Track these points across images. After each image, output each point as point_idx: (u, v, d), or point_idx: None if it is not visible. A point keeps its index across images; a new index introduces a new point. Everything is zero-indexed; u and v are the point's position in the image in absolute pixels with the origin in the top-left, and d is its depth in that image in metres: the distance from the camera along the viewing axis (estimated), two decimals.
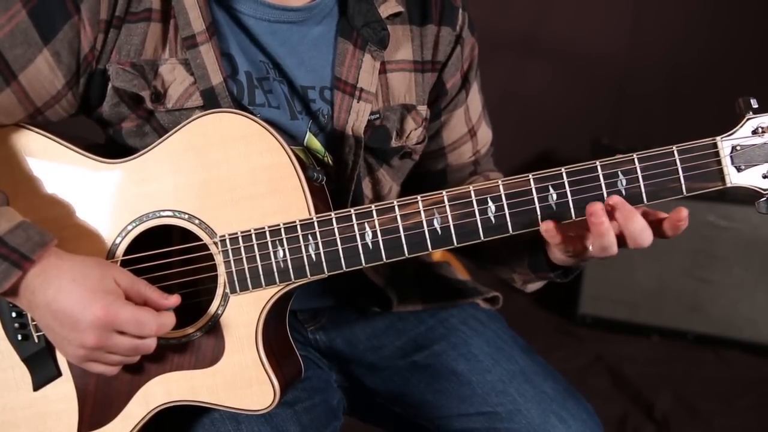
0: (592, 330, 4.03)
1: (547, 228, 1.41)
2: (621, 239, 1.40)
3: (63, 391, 1.55)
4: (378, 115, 1.68)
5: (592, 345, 3.92)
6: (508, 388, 1.72)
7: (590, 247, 1.42)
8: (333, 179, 1.63)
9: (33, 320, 1.52)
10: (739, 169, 1.36)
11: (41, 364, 1.54)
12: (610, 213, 1.38)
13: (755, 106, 1.36)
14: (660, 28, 4.43)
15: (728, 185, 1.37)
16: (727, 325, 3.88)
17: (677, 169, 1.36)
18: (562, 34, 4.47)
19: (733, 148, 1.36)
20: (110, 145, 1.64)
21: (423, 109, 1.74)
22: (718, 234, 3.80)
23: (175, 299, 1.45)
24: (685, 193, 1.37)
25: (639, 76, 4.51)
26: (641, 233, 1.38)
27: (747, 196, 1.39)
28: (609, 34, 4.46)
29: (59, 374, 1.55)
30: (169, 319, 1.44)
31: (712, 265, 3.85)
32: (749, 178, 1.36)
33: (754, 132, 1.36)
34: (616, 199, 1.37)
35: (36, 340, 1.53)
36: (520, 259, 1.65)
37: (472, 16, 1.80)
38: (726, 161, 1.36)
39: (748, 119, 1.36)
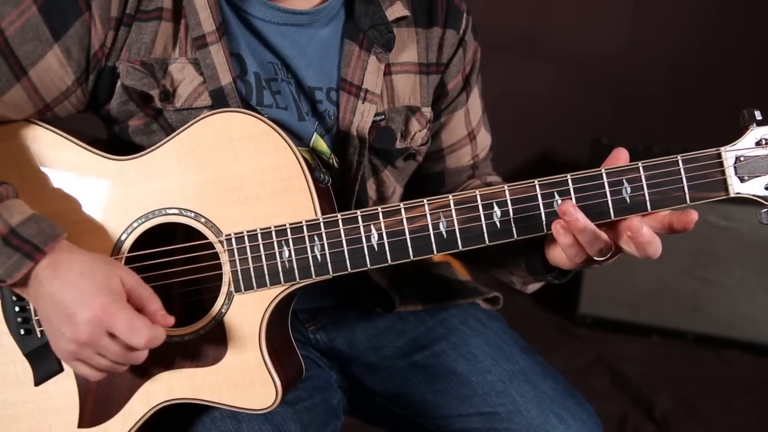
0: (592, 330, 4.03)
1: (555, 228, 1.40)
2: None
3: (64, 387, 1.55)
4: (383, 117, 1.69)
5: (592, 345, 3.92)
6: (508, 388, 1.73)
7: (627, 250, 1.43)
8: (337, 180, 1.64)
9: (36, 315, 1.52)
10: (742, 180, 1.37)
11: (43, 359, 1.54)
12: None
13: (759, 117, 1.37)
14: (660, 28, 4.42)
15: (731, 195, 1.38)
16: (727, 325, 3.88)
17: (681, 178, 1.37)
18: (562, 34, 4.46)
19: (737, 158, 1.37)
20: (114, 141, 1.64)
21: (427, 111, 1.75)
22: (718, 234, 3.80)
23: (170, 320, 1.44)
24: (688, 202, 1.38)
25: (639, 76, 4.51)
26: (656, 252, 1.38)
27: (751, 201, 1.40)
28: (609, 34, 4.46)
29: (61, 370, 1.55)
30: (161, 335, 1.41)
31: (712, 265, 3.85)
32: (752, 189, 1.37)
33: (758, 143, 1.37)
34: (636, 228, 1.37)
35: (39, 335, 1.54)
36: (517, 261, 1.66)
37: (474, 18, 1.81)
38: (730, 172, 1.37)
39: (752, 130, 1.37)
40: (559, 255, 1.49)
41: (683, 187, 1.37)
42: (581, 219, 1.36)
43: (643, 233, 1.36)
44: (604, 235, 1.39)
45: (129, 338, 1.37)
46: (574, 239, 1.40)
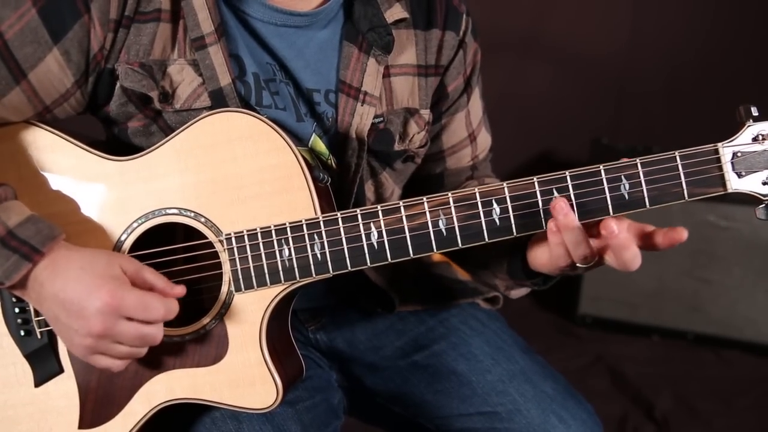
0: (592, 330, 4.03)
1: (549, 225, 1.41)
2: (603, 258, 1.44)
3: (64, 388, 1.55)
4: (382, 119, 1.69)
5: (592, 345, 3.92)
6: (508, 388, 1.73)
7: (608, 261, 1.43)
8: (336, 182, 1.64)
9: (36, 316, 1.53)
10: (739, 175, 1.38)
11: (43, 361, 1.54)
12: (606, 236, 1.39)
13: (755, 114, 1.38)
14: (660, 28, 4.43)
15: (729, 191, 1.39)
16: (727, 325, 3.87)
17: (679, 174, 1.38)
18: (562, 34, 4.46)
19: (734, 154, 1.37)
20: (113, 142, 1.63)
21: (426, 113, 1.75)
22: (718, 234, 3.79)
23: (180, 289, 1.45)
24: (686, 198, 1.39)
25: (639, 76, 4.51)
26: (633, 260, 1.39)
27: (747, 197, 1.40)
28: (609, 34, 4.46)
29: (61, 371, 1.55)
30: (175, 305, 1.43)
31: (712, 265, 3.84)
32: (749, 184, 1.38)
33: (755, 139, 1.37)
34: (611, 228, 1.37)
35: (39, 336, 1.54)
36: (500, 264, 1.67)
37: (474, 19, 1.81)
38: (727, 167, 1.38)
39: (749, 126, 1.38)
40: (541, 257, 1.50)
41: (681, 183, 1.38)
42: (572, 216, 1.37)
43: (617, 235, 1.37)
44: (589, 241, 1.40)
45: (145, 315, 1.39)
46: (563, 239, 1.41)
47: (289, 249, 1.47)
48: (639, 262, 1.40)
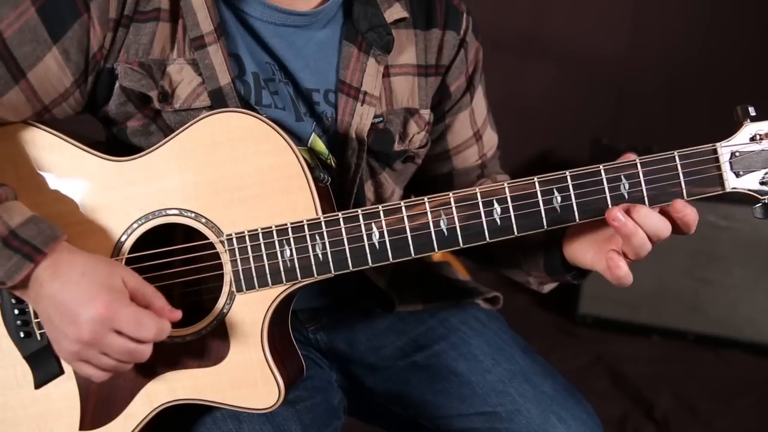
0: (592, 330, 4.03)
1: (613, 216, 1.40)
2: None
3: (65, 390, 1.55)
4: (381, 119, 1.69)
5: (592, 345, 3.92)
6: (508, 388, 1.73)
7: (627, 254, 1.44)
8: (336, 182, 1.63)
9: (36, 317, 1.52)
10: (737, 175, 1.39)
11: (43, 362, 1.54)
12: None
13: (753, 113, 1.39)
14: (660, 28, 4.43)
15: (727, 190, 1.40)
16: (727, 325, 3.88)
17: (678, 174, 1.39)
18: (562, 34, 4.47)
19: (732, 154, 1.38)
20: (112, 143, 1.63)
21: (426, 113, 1.75)
22: (718, 234, 3.79)
23: (177, 314, 1.44)
24: (685, 197, 1.40)
25: (639, 76, 4.52)
26: (661, 229, 1.40)
27: (747, 197, 1.42)
28: (609, 34, 4.46)
29: (61, 372, 1.54)
30: (167, 327, 1.41)
31: (712, 265, 3.85)
32: (747, 183, 1.40)
33: (752, 139, 1.38)
34: (627, 205, 1.39)
35: (38, 338, 1.53)
36: (535, 261, 1.67)
37: (474, 19, 1.81)
38: (725, 167, 1.39)
39: (746, 126, 1.39)
40: (584, 255, 1.51)
41: (680, 182, 1.39)
42: (631, 224, 1.38)
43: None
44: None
45: (137, 333, 1.37)
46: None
47: (291, 249, 1.47)
48: (669, 227, 1.40)
